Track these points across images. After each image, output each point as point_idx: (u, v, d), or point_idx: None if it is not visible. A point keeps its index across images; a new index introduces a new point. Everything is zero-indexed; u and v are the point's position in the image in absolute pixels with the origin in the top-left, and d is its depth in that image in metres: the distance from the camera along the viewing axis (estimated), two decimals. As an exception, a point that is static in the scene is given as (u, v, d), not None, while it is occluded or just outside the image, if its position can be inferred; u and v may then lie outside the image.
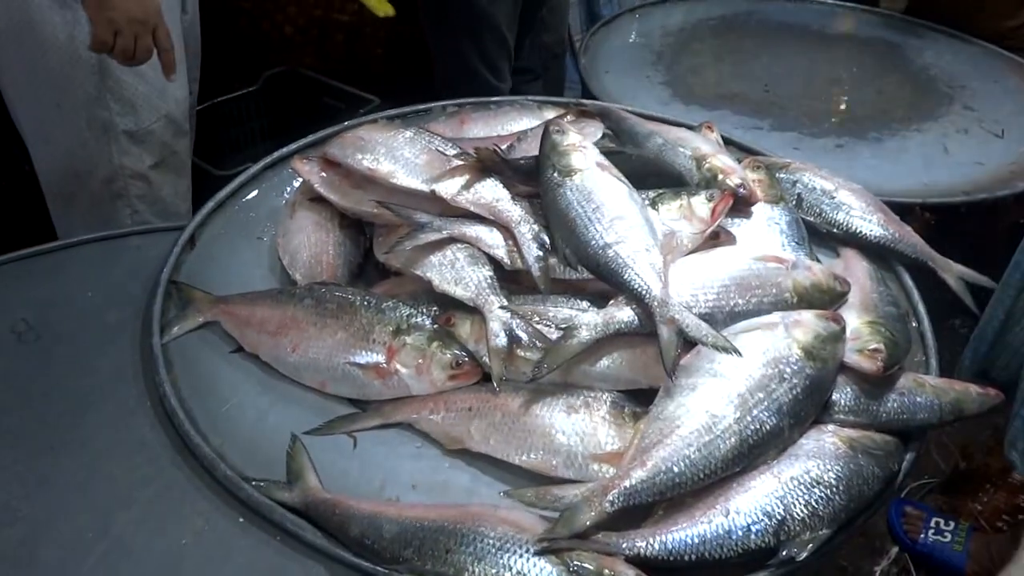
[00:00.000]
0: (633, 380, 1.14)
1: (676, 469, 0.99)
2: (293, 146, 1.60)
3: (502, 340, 1.15)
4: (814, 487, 1.01)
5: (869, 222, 1.43)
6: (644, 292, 1.09)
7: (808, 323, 1.11)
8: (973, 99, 2.16)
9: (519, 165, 1.29)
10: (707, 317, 1.12)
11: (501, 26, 2.44)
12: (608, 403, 1.10)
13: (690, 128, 1.58)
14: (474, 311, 1.19)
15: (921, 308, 1.35)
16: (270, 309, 1.25)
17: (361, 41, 3.19)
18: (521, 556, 0.93)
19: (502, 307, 1.17)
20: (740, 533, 0.97)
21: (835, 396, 1.11)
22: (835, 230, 1.44)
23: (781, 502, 0.99)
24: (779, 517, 0.98)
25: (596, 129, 1.55)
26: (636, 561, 0.95)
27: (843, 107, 2.10)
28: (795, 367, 1.06)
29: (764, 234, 1.33)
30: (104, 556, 1.01)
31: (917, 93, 2.20)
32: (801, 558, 0.97)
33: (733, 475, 1.02)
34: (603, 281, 1.15)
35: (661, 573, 0.96)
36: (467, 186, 1.27)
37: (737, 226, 1.32)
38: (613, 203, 1.18)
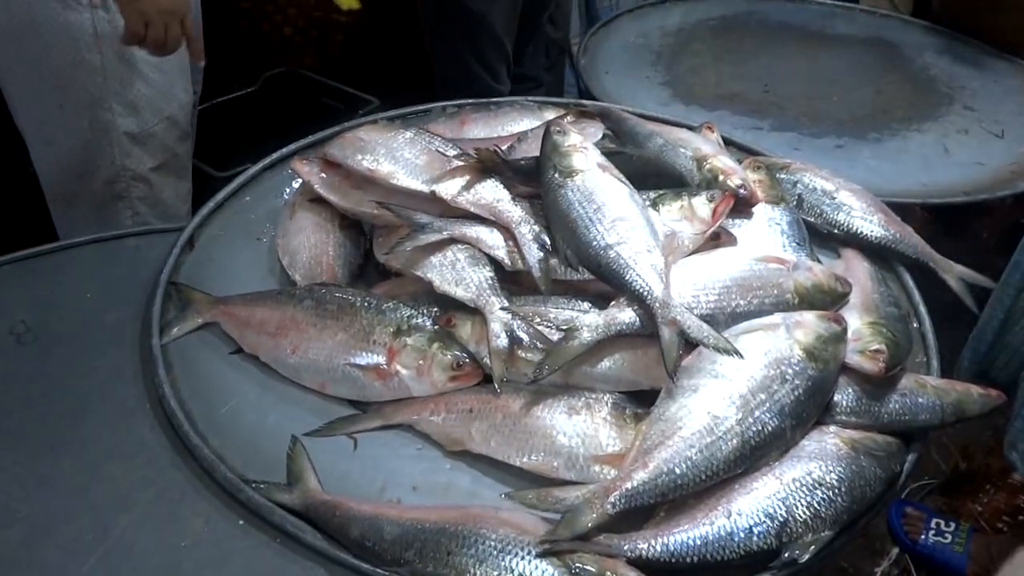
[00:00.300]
0: (634, 381, 1.13)
1: (678, 471, 0.99)
2: (293, 147, 1.60)
3: (503, 341, 1.14)
4: (816, 488, 1.01)
5: (870, 222, 1.43)
6: (645, 293, 1.09)
7: (810, 324, 1.11)
8: (973, 99, 2.16)
9: (520, 166, 1.29)
10: (708, 318, 1.11)
11: (497, 30, 2.45)
12: (609, 404, 1.10)
13: (690, 129, 1.58)
14: (475, 312, 1.19)
15: (922, 308, 1.34)
16: (270, 310, 1.24)
17: (361, 42, 3.19)
18: (523, 558, 0.93)
19: (503, 308, 1.16)
20: (742, 535, 0.97)
21: (837, 397, 1.11)
22: (836, 231, 1.44)
23: (783, 504, 0.99)
24: (781, 519, 0.98)
25: (596, 130, 1.55)
26: (638, 563, 0.95)
27: (843, 107, 2.10)
28: (797, 368, 1.06)
29: (765, 235, 1.33)
30: (104, 558, 1.01)
31: (917, 93, 2.20)
32: (803, 560, 0.97)
33: (735, 476, 1.01)
34: (604, 282, 1.15)
35: (663, 575, 0.96)
36: (467, 187, 1.26)
37: (738, 227, 1.32)
38: (614, 204, 1.18)
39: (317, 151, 1.48)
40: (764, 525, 0.98)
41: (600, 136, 1.54)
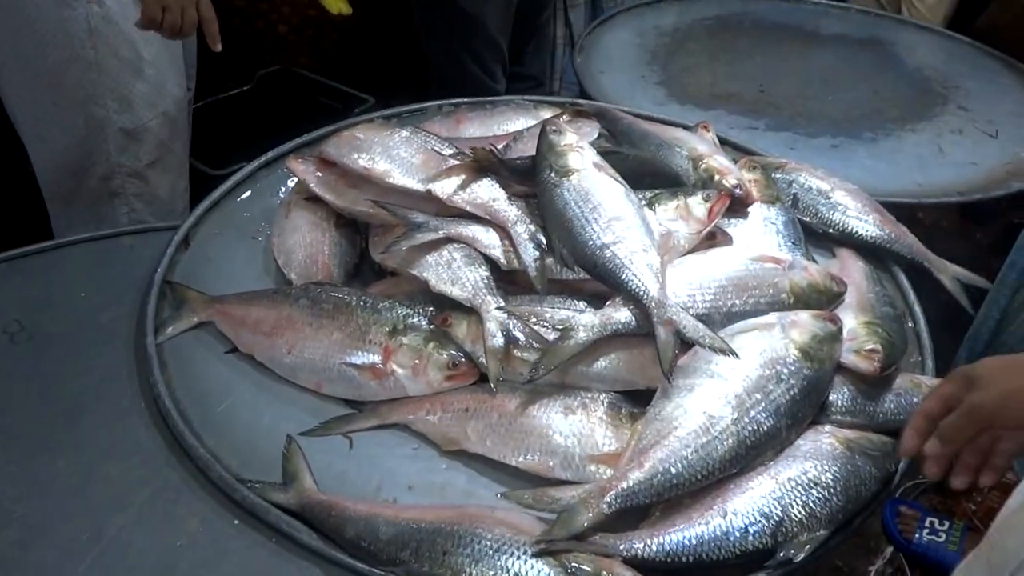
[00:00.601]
0: (630, 381, 1.13)
1: (674, 470, 0.99)
2: (288, 145, 1.59)
3: (499, 341, 1.14)
4: (811, 488, 1.01)
5: (865, 222, 1.43)
6: (641, 293, 1.09)
7: (805, 324, 1.12)
8: (967, 99, 2.16)
9: (515, 165, 1.29)
10: (704, 318, 1.12)
11: (491, 29, 2.46)
12: (605, 404, 1.10)
13: (686, 128, 1.58)
14: (471, 311, 1.19)
15: (917, 308, 1.35)
16: (265, 309, 1.24)
17: (356, 40, 3.19)
18: (519, 558, 0.93)
19: (499, 307, 1.16)
20: (738, 534, 0.97)
21: (832, 397, 1.12)
22: (831, 230, 1.44)
23: (778, 503, 0.99)
24: (776, 518, 0.98)
25: (592, 129, 1.55)
26: (634, 563, 0.95)
27: (838, 107, 2.10)
28: (792, 368, 1.07)
29: (760, 234, 1.33)
30: (99, 558, 1.00)
31: (912, 93, 2.20)
32: (799, 559, 0.97)
33: (730, 476, 1.01)
34: (600, 282, 1.15)
35: (659, 574, 0.96)
36: (463, 186, 1.26)
37: (733, 226, 1.33)
38: (610, 203, 1.18)
39: (313, 150, 1.48)
40: (760, 524, 0.98)
41: (596, 135, 1.54)
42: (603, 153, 1.29)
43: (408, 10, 2.65)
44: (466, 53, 2.48)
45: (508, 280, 1.24)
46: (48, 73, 1.57)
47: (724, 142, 1.62)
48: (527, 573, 0.92)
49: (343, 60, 3.18)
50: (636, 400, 1.11)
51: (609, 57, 2.28)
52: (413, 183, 1.28)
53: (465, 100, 1.77)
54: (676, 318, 1.07)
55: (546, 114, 1.63)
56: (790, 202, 1.45)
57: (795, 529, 0.98)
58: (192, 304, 1.29)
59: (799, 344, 1.09)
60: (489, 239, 1.24)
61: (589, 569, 0.92)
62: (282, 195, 1.52)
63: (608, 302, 1.13)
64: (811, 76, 2.28)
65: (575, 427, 1.07)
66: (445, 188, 1.26)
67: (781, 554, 0.97)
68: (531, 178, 1.26)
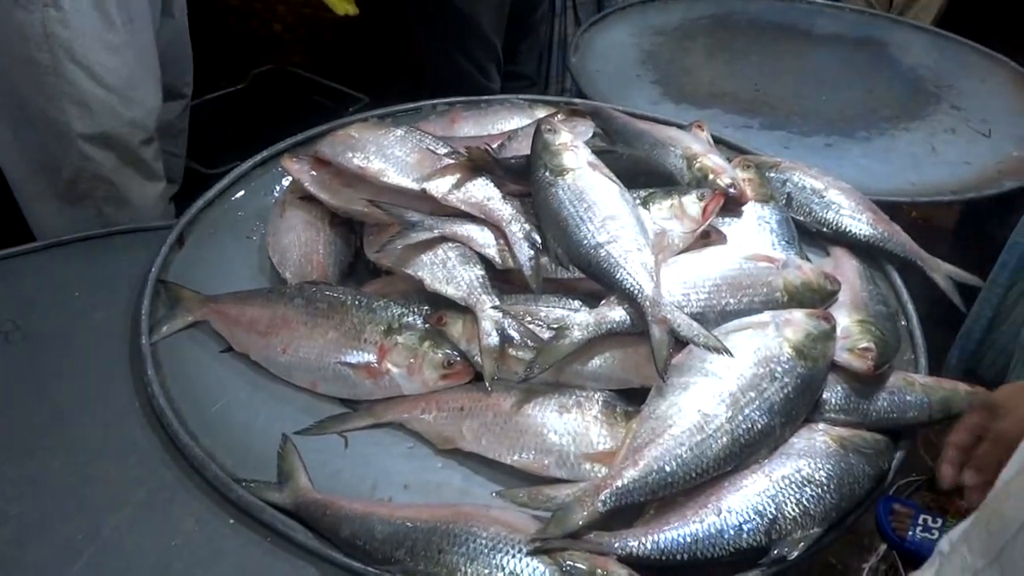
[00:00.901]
0: (625, 379, 1.14)
1: (668, 468, 0.99)
2: (283, 144, 1.59)
3: (494, 339, 1.14)
4: (805, 486, 1.01)
5: (859, 221, 1.44)
6: (636, 292, 1.09)
7: (799, 322, 1.12)
8: (960, 98, 2.17)
9: (510, 164, 1.29)
10: (698, 316, 1.12)
11: (485, 28, 2.46)
12: (600, 402, 1.10)
13: (680, 127, 1.59)
14: (466, 310, 1.19)
15: (910, 307, 1.35)
16: (260, 308, 1.24)
17: (350, 39, 3.18)
18: (514, 556, 0.93)
19: (494, 307, 1.16)
20: (732, 532, 0.97)
21: (826, 395, 1.12)
22: (825, 229, 1.44)
23: (772, 501, 1.00)
24: (771, 516, 0.99)
25: (587, 128, 1.56)
26: (628, 560, 0.95)
27: (832, 106, 2.10)
28: (786, 366, 1.07)
29: (754, 233, 1.33)
30: (94, 557, 1.00)
31: (905, 92, 2.21)
32: (792, 557, 0.97)
33: (725, 474, 1.02)
34: (595, 281, 1.15)
35: (653, 572, 0.96)
36: (458, 185, 1.26)
37: (727, 225, 1.33)
38: (605, 202, 1.18)
39: (307, 149, 1.48)
40: (754, 522, 0.98)
41: (591, 135, 1.54)
42: (598, 152, 1.30)
43: (402, 9, 2.65)
44: (460, 52, 2.48)
45: (503, 279, 1.24)
46: (4, 76, 1.54)
47: (718, 141, 1.62)
48: (522, 571, 0.92)
49: (337, 59, 3.18)
50: (631, 398, 1.11)
51: (604, 56, 2.28)
52: (408, 182, 1.28)
53: (460, 99, 1.76)
54: (671, 317, 1.07)
55: (541, 113, 1.63)
56: (784, 201, 1.45)
57: (789, 527, 0.99)
58: (186, 303, 1.29)
59: (793, 342, 1.09)
60: (484, 238, 1.24)
61: (584, 567, 0.93)
62: (276, 194, 1.52)
63: (603, 301, 1.13)
64: (806, 75, 2.29)
65: (570, 426, 1.08)
66: (440, 187, 1.26)
67: (775, 552, 0.98)
68: (526, 177, 1.26)
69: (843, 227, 1.43)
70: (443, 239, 1.24)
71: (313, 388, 1.19)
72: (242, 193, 1.53)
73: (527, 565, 0.93)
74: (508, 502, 1.01)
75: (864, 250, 1.43)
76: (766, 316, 1.14)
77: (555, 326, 1.12)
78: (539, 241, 1.21)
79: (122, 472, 1.10)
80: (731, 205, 1.33)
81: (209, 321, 1.27)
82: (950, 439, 1.04)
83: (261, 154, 1.58)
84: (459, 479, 1.10)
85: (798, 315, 1.13)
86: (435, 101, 1.76)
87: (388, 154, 1.32)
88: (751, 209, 1.36)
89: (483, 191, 1.26)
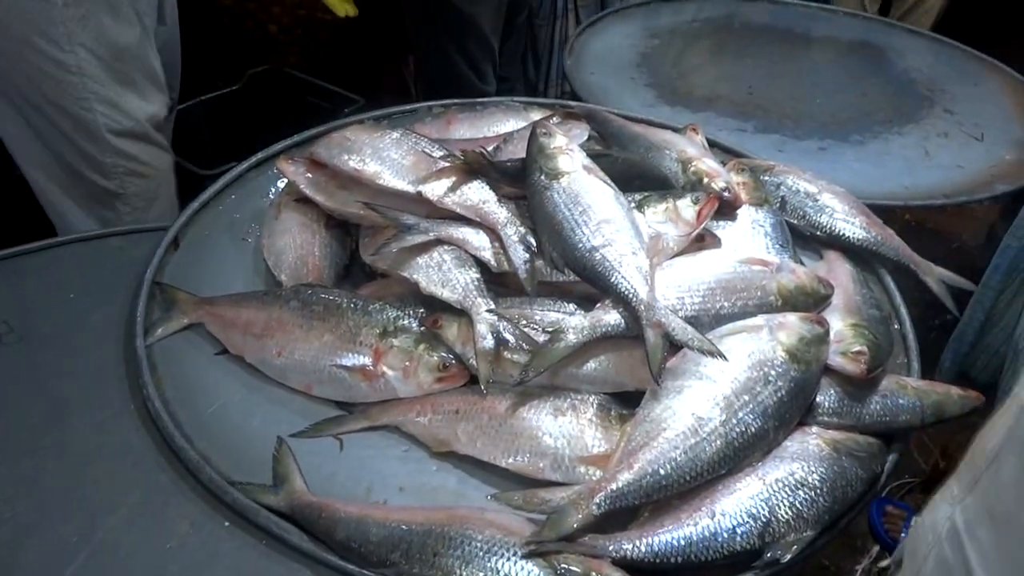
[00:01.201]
0: (620, 383, 1.14)
1: (663, 471, 1.00)
2: (278, 146, 1.59)
3: (489, 342, 1.15)
4: (798, 489, 1.02)
5: (852, 225, 1.44)
6: (631, 295, 1.10)
7: (792, 326, 1.12)
8: (953, 102, 2.18)
9: (506, 167, 1.29)
10: (693, 320, 1.12)
11: (484, 28, 2.45)
12: (595, 406, 1.10)
13: (675, 130, 1.59)
14: (461, 313, 1.19)
15: (903, 310, 1.36)
16: (255, 311, 1.24)
17: (346, 41, 3.18)
18: (509, 559, 0.93)
19: (489, 310, 1.17)
20: (726, 535, 0.98)
21: (819, 398, 1.12)
22: (818, 233, 1.45)
23: (766, 504, 1.00)
24: (764, 519, 0.99)
25: (582, 131, 1.56)
26: (623, 564, 0.95)
27: (826, 110, 2.11)
28: (780, 370, 1.07)
29: (749, 237, 1.34)
30: (88, 560, 1.00)
31: (898, 96, 2.22)
32: (786, 560, 0.98)
33: (719, 477, 1.02)
34: (590, 284, 1.15)
35: (648, 575, 0.97)
36: (454, 188, 1.27)
37: (722, 229, 1.33)
38: (600, 206, 1.19)
39: (303, 151, 1.47)
40: (747, 525, 0.99)
41: (586, 138, 1.55)
42: (593, 155, 1.30)
43: (397, 10, 2.65)
44: (458, 53, 2.47)
45: (498, 282, 1.24)
46: (29, 78, 1.54)
47: (713, 144, 1.63)
48: (517, 574, 0.92)
49: (333, 60, 3.18)
50: (625, 402, 1.12)
51: (599, 58, 2.29)
52: (404, 185, 1.28)
53: (455, 101, 1.77)
54: (665, 320, 1.08)
55: (536, 116, 1.64)
56: (778, 205, 1.45)
57: (782, 530, 0.99)
58: (182, 305, 1.29)
59: (787, 346, 1.09)
60: (479, 241, 1.24)
61: (578, 570, 0.93)
62: (272, 196, 1.52)
63: (598, 304, 1.13)
64: (800, 79, 2.30)
65: (565, 429, 1.08)
66: (435, 190, 1.26)
67: (768, 554, 0.98)
68: (521, 180, 1.26)
69: (837, 231, 1.44)
70: (438, 242, 1.25)
71: (308, 391, 1.19)
72: (237, 195, 1.53)
73: (522, 568, 0.93)
74: (503, 505, 1.02)
75: (857, 254, 1.43)
76: (760, 320, 1.14)
77: (550, 329, 1.12)
78: (534, 244, 1.21)
79: (117, 474, 1.10)
80: (725, 209, 1.34)
81: (204, 323, 1.27)
82: None
83: (256, 156, 1.59)
84: (454, 482, 1.10)
85: (792, 319, 1.14)
86: (431, 103, 1.76)
87: (384, 157, 1.32)
88: (745, 213, 1.36)
89: (479, 194, 1.26)
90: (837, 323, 1.20)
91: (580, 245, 1.15)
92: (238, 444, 1.13)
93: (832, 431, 1.10)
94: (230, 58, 2.91)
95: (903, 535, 1.84)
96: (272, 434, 1.13)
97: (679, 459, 1.00)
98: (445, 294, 1.20)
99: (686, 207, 1.25)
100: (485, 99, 1.78)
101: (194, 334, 1.28)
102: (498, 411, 1.10)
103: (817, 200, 1.47)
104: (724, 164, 1.45)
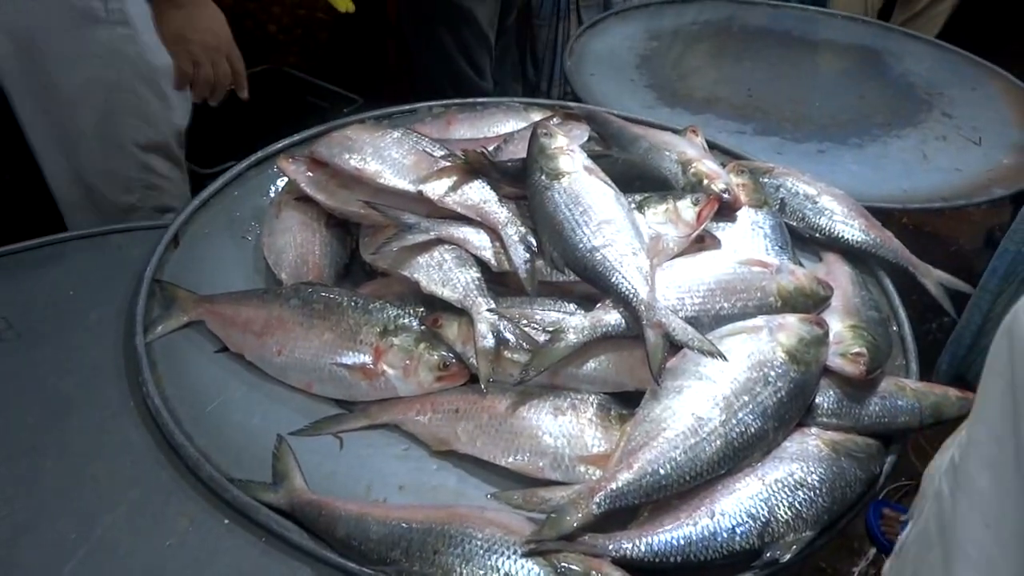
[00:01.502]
0: (620, 382, 1.14)
1: (662, 471, 1.00)
2: (278, 145, 1.59)
3: (489, 342, 1.15)
4: (798, 489, 1.02)
5: (851, 227, 1.45)
6: (631, 295, 1.10)
7: (792, 327, 1.13)
8: (951, 106, 2.19)
9: (506, 167, 1.30)
10: (693, 320, 1.13)
11: (481, 22, 2.45)
12: (595, 405, 1.10)
13: (675, 132, 1.59)
14: (461, 313, 1.19)
15: (902, 312, 1.36)
16: (255, 309, 1.24)
17: (345, 40, 3.18)
18: (509, 558, 0.94)
19: (489, 309, 1.17)
20: (725, 535, 0.98)
21: (818, 399, 1.13)
22: (818, 235, 1.45)
23: (765, 504, 1.00)
24: (763, 519, 0.99)
25: (582, 132, 1.56)
26: (622, 563, 0.96)
27: (825, 112, 2.12)
28: (779, 370, 1.08)
29: (748, 238, 1.34)
30: (87, 557, 1.00)
31: (897, 99, 2.22)
32: (785, 560, 0.98)
33: (718, 477, 1.02)
34: (590, 284, 1.16)
35: (647, 574, 0.97)
36: (454, 187, 1.27)
37: (721, 230, 1.34)
38: (600, 206, 1.19)
39: (303, 150, 1.48)
40: (746, 525, 0.99)
41: (586, 138, 1.55)
42: (593, 156, 1.30)
43: (396, 7, 2.65)
44: (453, 45, 2.47)
45: (498, 282, 1.24)
46: (67, 95, 1.53)
47: (713, 146, 1.63)
48: (517, 573, 0.93)
49: (332, 60, 3.18)
50: (625, 402, 1.12)
51: (600, 60, 2.29)
52: (404, 184, 1.29)
53: (455, 101, 1.77)
54: (665, 321, 1.08)
55: (536, 116, 1.64)
56: (777, 206, 1.46)
57: (782, 530, 1.00)
58: (182, 303, 1.29)
59: (786, 347, 1.10)
60: (480, 241, 1.25)
61: (578, 569, 0.93)
62: (272, 195, 1.52)
63: (598, 304, 1.14)
64: (799, 81, 2.30)
65: (565, 428, 1.08)
66: (436, 189, 1.27)
67: (768, 554, 0.99)
68: (522, 180, 1.26)
69: (836, 233, 1.44)
70: (439, 241, 1.25)
71: (308, 389, 1.19)
72: (237, 193, 1.53)
73: (522, 567, 0.93)
74: (503, 504, 1.02)
75: (856, 256, 1.44)
76: (760, 320, 1.15)
77: (550, 329, 1.12)
78: (535, 244, 1.22)
79: (116, 472, 1.10)
80: (725, 210, 1.34)
81: (204, 321, 1.27)
82: None
83: (256, 154, 1.59)
84: (454, 481, 1.10)
85: (791, 320, 1.14)
86: (431, 103, 1.76)
87: (385, 156, 1.32)
88: (745, 214, 1.37)
89: (479, 194, 1.27)
90: (836, 325, 1.20)
91: (581, 245, 1.15)
92: (238, 442, 1.13)
93: (831, 432, 1.11)
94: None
95: (899, 537, 1.85)
96: (272, 432, 1.13)
97: (679, 459, 1.01)
98: (446, 293, 1.20)
99: (686, 208, 1.26)
100: (485, 99, 1.79)
101: (194, 332, 1.28)
102: (498, 410, 1.10)
103: (816, 202, 1.47)
104: (724, 166, 1.45)
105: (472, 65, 2.53)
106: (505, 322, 1.16)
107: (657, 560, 0.96)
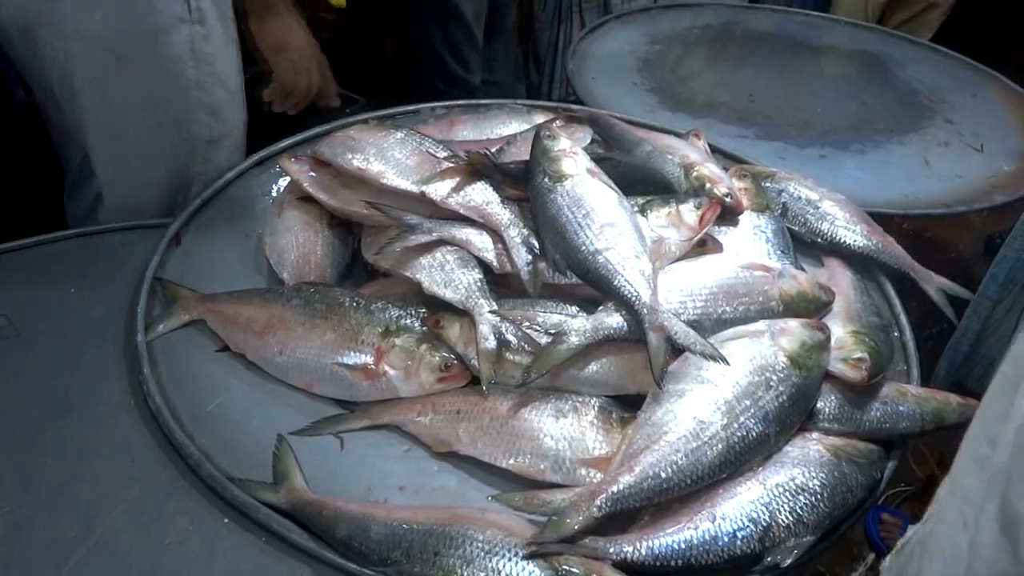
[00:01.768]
0: (621, 385, 1.14)
1: (664, 475, 1.00)
2: (281, 144, 1.59)
3: (491, 343, 1.15)
4: (799, 494, 1.02)
5: (853, 232, 1.45)
6: (633, 298, 1.10)
7: (794, 331, 1.13)
8: (953, 112, 2.19)
9: (509, 169, 1.30)
10: (695, 324, 1.12)
11: (467, 16, 2.45)
12: (596, 408, 1.10)
13: (678, 136, 1.59)
14: (463, 314, 1.19)
15: (903, 318, 1.36)
16: (257, 308, 1.24)
17: (347, 40, 3.18)
18: (510, 560, 0.93)
19: (491, 311, 1.17)
20: (726, 539, 0.98)
21: (820, 404, 1.13)
22: (819, 240, 1.45)
23: (767, 508, 1.00)
24: (765, 523, 0.99)
25: (585, 135, 1.56)
26: (623, 566, 0.95)
27: (827, 118, 2.12)
28: (781, 375, 1.08)
29: (750, 242, 1.34)
30: (87, 556, 1.00)
31: (899, 105, 2.23)
32: (786, 564, 0.98)
33: (719, 481, 1.02)
34: (592, 287, 1.15)
35: (648, 578, 0.97)
36: (457, 189, 1.27)
37: (724, 234, 1.34)
38: (603, 209, 1.19)
39: (306, 149, 1.48)
40: (748, 529, 0.99)
41: (588, 141, 1.55)
42: (596, 159, 1.30)
43: (398, 10, 2.65)
44: (439, 38, 2.48)
45: (500, 283, 1.24)
46: (145, 98, 1.51)
47: (715, 150, 1.63)
48: (518, 575, 0.92)
49: (334, 60, 3.17)
50: (627, 405, 1.12)
51: (602, 63, 2.29)
52: (407, 184, 1.29)
53: (458, 103, 1.78)
54: (668, 324, 1.08)
55: (539, 118, 1.64)
56: (779, 211, 1.46)
57: (783, 534, 0.99)
58: (183, 302, 1.29)
59: (788, 352, 1.10)
60: (482, 242, 1.25)
61: (579, 572, 0.93)
62: (274, 194, 1.52)
63: (600, 307, 1.14)
64: (800, 86, 2.30)
65: (566, 431, 1.08)
66: (439, 190, 1.27)
67: (769, 559, 0.99)
68: (525, 182, 1.26)
69: (837, 238, 1.44)
70: (441, 242, 1.25)
71: (309, 389, 1.19)
72: (239, 193, 1.53)
73: (523, 569, 0.93)
74: (504, 506, 1.02)
75: (858, 261, 1.44)
76: (762, 325, 1.14)
77: (552, 331, 1.12)
78: (537, 246, 1.21)
79: (116, 470, 1.10)
80: (727, 214, 1.34)
81: (205, 320, 1.27)
82: None
83: (259, 153, 1.59)
84: (455, 482, 1.10)
85: (793, 324, 1.14)
86: (433, 104, 1.76)
87: (388, 156, 1.32)
88: (747, 218, 1.37)
89: (482, 195, 1.27)
90: (838, 330, 1.20)
91: (583, 248, 1.15)
92: (238, 441, 1.13)
93: (833, 437, 1.11)
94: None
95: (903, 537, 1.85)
96: (272, 432, 1.12)
97: (680, 462, 1.00)
98: (448, 294, 1.20)
99: (689, 212, 1.26)
100: (488, 101, 1.79)
101: (195, 331, 1.27)
102: (499, 412, 1.10)
103: (818, 207, 1.47)
104: (726, 170, 1.46)
105: (458, 59, 2.54)
106: (507, 324, 1.16)
107: (658, 563, 0.96)
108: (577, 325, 1.12)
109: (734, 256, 1.28)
